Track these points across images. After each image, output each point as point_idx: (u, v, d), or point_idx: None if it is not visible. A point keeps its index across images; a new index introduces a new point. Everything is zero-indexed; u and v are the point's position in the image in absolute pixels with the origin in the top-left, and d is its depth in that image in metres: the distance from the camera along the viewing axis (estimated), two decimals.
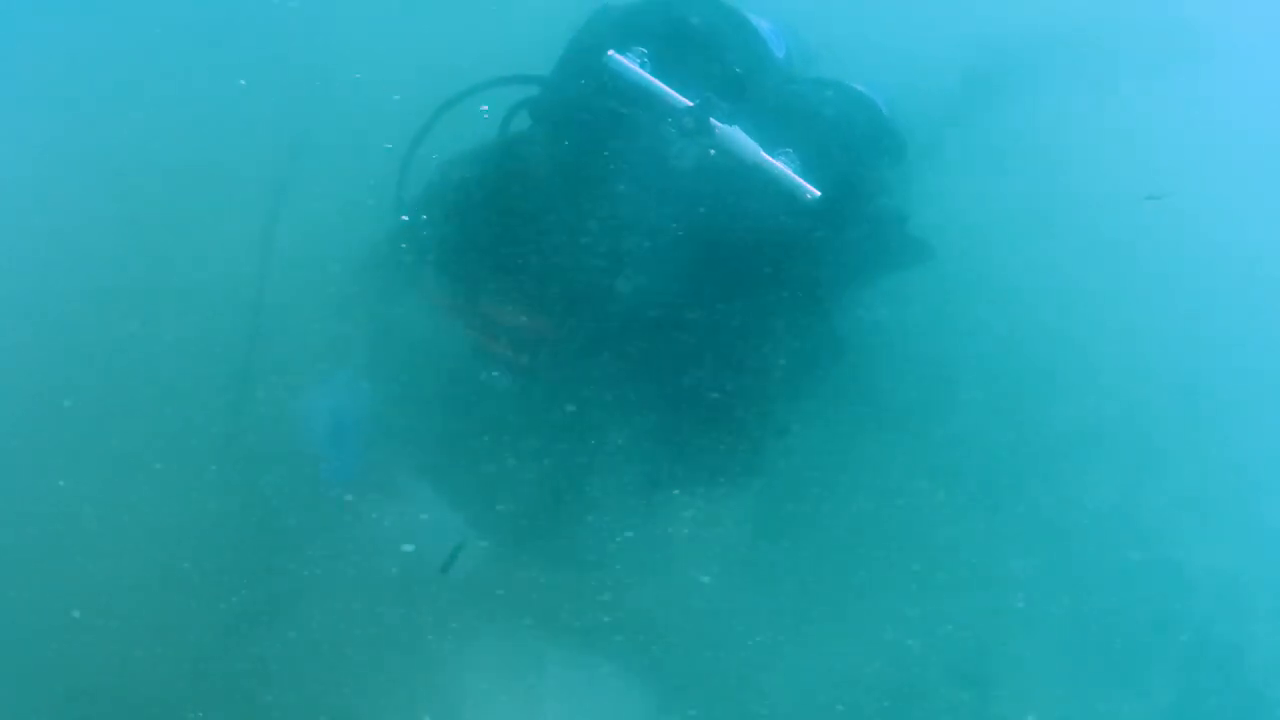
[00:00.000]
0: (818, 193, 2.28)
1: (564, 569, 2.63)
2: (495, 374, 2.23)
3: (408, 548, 2.54)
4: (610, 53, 2.27)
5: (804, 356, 2.90)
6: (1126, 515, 3.92)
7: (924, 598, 3.30)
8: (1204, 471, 4.18)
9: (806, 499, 3.34)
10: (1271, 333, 4.55)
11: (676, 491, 2.50)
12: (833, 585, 3.20)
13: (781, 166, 2.28)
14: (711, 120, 2.22)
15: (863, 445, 3.62)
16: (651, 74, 2.27)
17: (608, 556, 2.66)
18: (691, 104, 2.23)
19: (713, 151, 2.24)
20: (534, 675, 2.55)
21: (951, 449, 3.76)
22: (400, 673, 2.53)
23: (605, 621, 2.64)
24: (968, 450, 3.79)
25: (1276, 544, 4.13)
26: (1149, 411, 4.18)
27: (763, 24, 2.74)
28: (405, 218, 2.42)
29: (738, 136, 2.24)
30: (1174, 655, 3.63)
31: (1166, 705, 3.48)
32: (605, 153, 2.24)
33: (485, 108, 2.77)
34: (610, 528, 2.65)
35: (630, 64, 2.27)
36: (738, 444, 2.47)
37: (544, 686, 2.53)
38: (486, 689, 2.51)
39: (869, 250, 2.92)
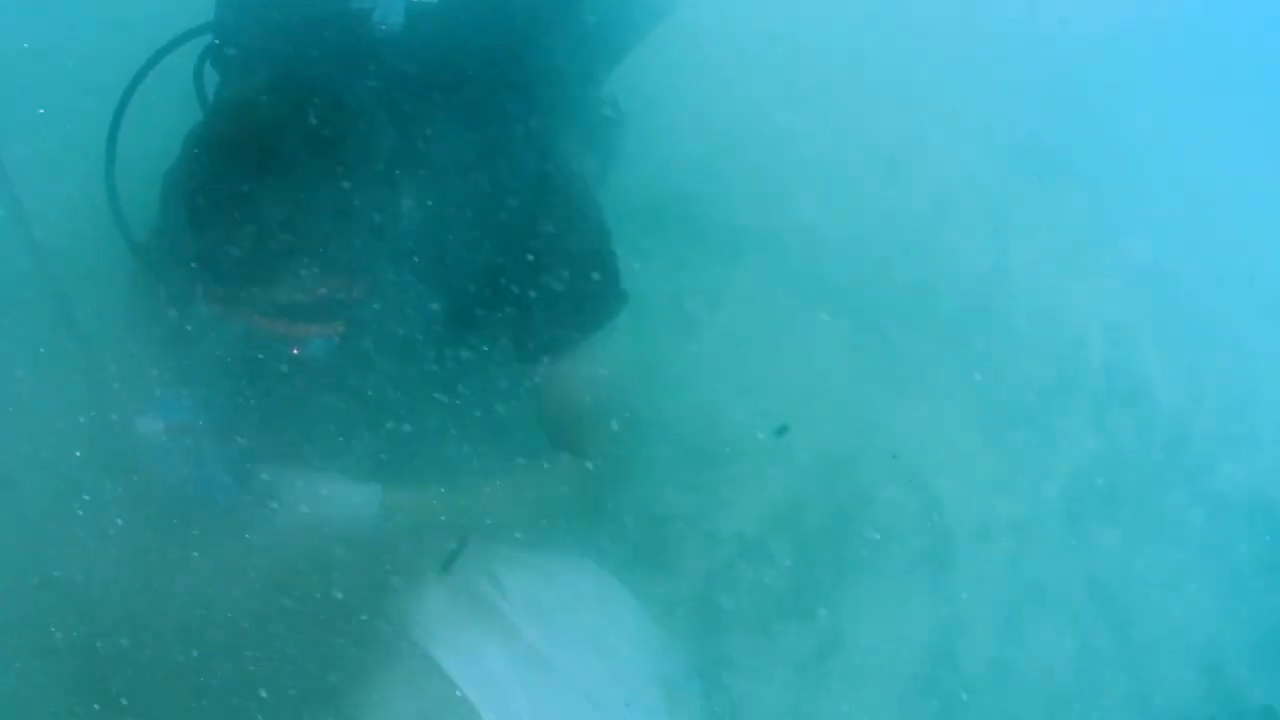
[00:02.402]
0: None
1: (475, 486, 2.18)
2: (313, 351, 1.88)
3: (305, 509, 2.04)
4: None
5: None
6: (1001, 282, 3.69)
7: (845, 413, 3.03)
8: (1063, 223, 4.01)
9: (690, 333, 3.03)
10: (1114, 69, 4.46)
11: (546, 359, 2.10)
12: (740, 420, 2.87)
13: None
14: None
15: (726, 272, 3.30)
16: None
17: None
18: None
19: None
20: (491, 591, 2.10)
21: (804, 255, 3.44)
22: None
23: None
24: (825, 257, 3.47)
25: (1148, 282, 3.99)
26: (996, 174, 3.97)
27: None
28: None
29: None
30: (1087, 406, 3.43)
31: (1093, 452, 3.28)
32: (315, 67, 1.95)
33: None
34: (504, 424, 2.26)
35: None
36: (586, 286, 2.10)
37: (503, 599, 2.10)
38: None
39: (614, 22, 2.68)
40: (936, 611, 2.69)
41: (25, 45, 3.11)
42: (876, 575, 2.69)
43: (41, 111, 2.80)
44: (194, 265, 1.69)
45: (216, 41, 2.18)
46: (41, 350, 2.19)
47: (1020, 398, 3.34)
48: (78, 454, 2.07)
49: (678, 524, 2.56)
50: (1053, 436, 3.28)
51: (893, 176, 3.83)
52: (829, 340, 3.25)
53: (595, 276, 2.10)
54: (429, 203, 1.90)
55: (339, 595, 1.98)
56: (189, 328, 2.06)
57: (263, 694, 1.90)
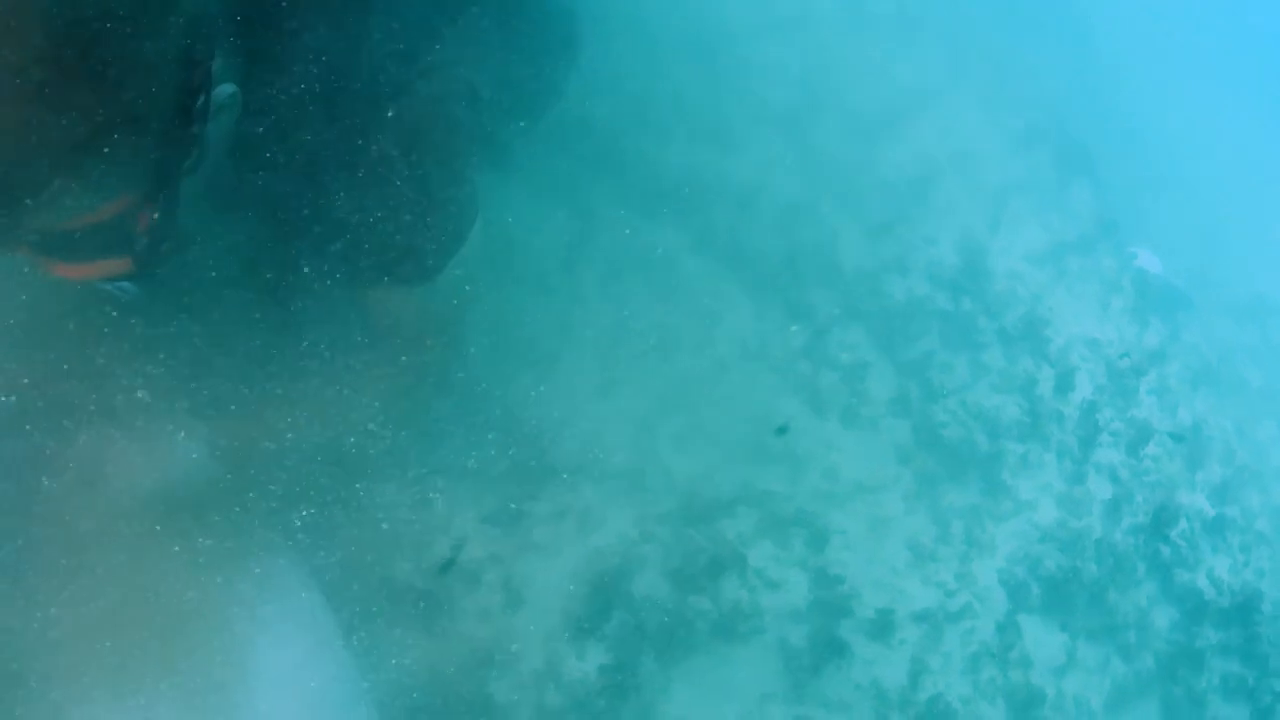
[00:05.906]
0: None
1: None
2: (120, 287, 1.52)
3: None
4: None
5: None
6: (974, 276, 2.95)
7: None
8: (1064, 217, 3.26)
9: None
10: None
11: (388, 282, 1.72)
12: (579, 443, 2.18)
13: None
14: None
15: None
16: None
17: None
18: None
19: None
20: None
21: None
22: None
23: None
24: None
25: (1158, 302, 3.26)
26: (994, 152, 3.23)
27: None
28: None
29: None
30: (1051, 461, 2.75)
31: (1048, 525, 2.61)
32: None
33: None
34: None
35: None
36: (434, 206, 1.73)
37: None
38: None
39: None
40: None
41: None
42: (721, 679, 1.99)
43: None
44: None
45: None
46: None
47: (971, 439, 2.62)
48: None
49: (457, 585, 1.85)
50: (1000, 497, 2.56)
51: (869, 149, 3.08)
52: (733, 330, 2.53)
53: (444, 196, 1.74)
54: (251, 95, 1.47)
55: None
56: None
57: None
